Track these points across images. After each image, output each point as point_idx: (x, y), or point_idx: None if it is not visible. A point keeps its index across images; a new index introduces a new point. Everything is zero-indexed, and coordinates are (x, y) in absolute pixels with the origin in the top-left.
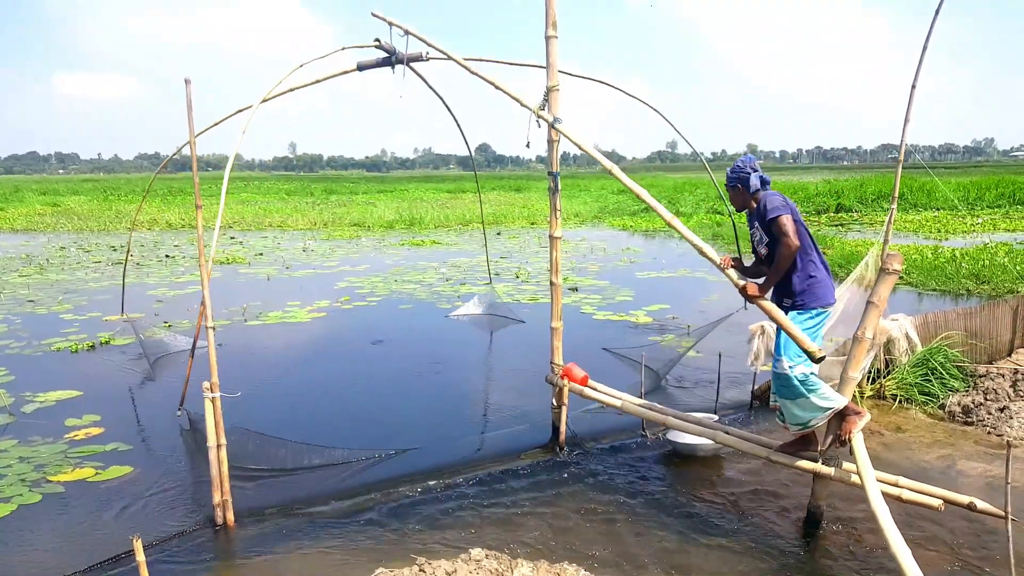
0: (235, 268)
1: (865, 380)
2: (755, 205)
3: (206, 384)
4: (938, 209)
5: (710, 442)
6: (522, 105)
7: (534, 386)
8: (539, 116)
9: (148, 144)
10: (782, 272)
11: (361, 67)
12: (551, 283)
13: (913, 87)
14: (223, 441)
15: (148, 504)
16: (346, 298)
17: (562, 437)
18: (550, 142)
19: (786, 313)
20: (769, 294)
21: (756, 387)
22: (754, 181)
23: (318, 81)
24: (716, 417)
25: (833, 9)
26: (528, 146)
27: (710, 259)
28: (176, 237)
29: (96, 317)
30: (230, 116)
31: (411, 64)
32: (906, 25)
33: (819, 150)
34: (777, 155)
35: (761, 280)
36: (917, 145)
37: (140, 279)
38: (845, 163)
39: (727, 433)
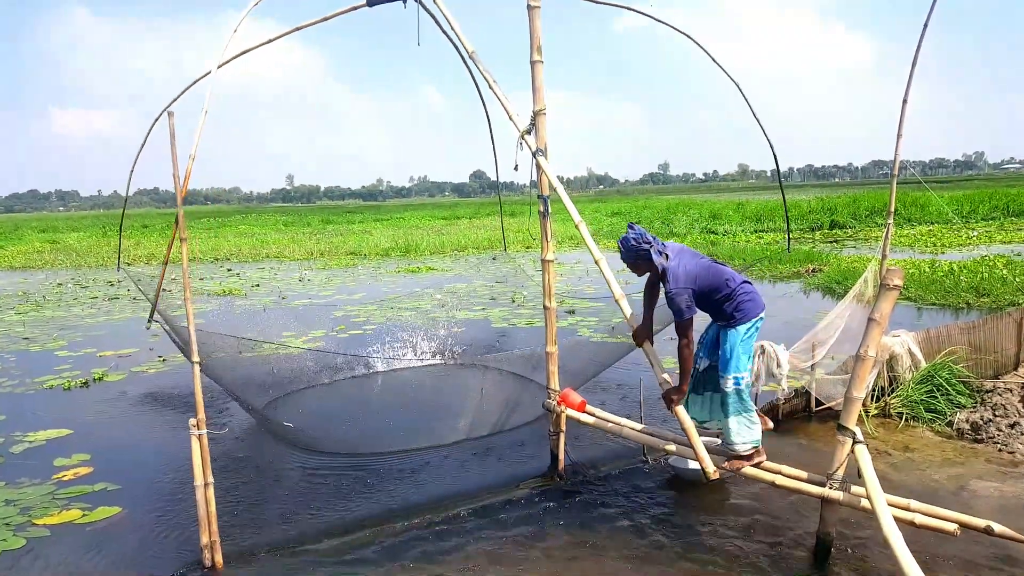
0: (232, 300)
1: (870, 398)
2: (662, 274)
3: (192, 421)
4: (932, 223)
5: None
6: (510, 118)
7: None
8: (524, 141)
9: (148, 180)
10: (690, 364)
11: (371, 1)
12: (545, 307)
13: (904, 102)
14: (210, 479)
15: (134, 546)
16: (341, 327)
17: (561, 465)
18: (538, 166)
19: (722, 330)
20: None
21: (758, 408)
22: (656, 258)
23: (326, 19)
24: (719, 442)
25: (819, 29)
26: (516, 168)
27: (624, 315)
28: (174, 271)
29: (91, 353)
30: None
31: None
32: (889, 47)
33: (810, 168)
34: (769, 174)
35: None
36: (909, 160)
37: (136, 313)
38: (837, 180)
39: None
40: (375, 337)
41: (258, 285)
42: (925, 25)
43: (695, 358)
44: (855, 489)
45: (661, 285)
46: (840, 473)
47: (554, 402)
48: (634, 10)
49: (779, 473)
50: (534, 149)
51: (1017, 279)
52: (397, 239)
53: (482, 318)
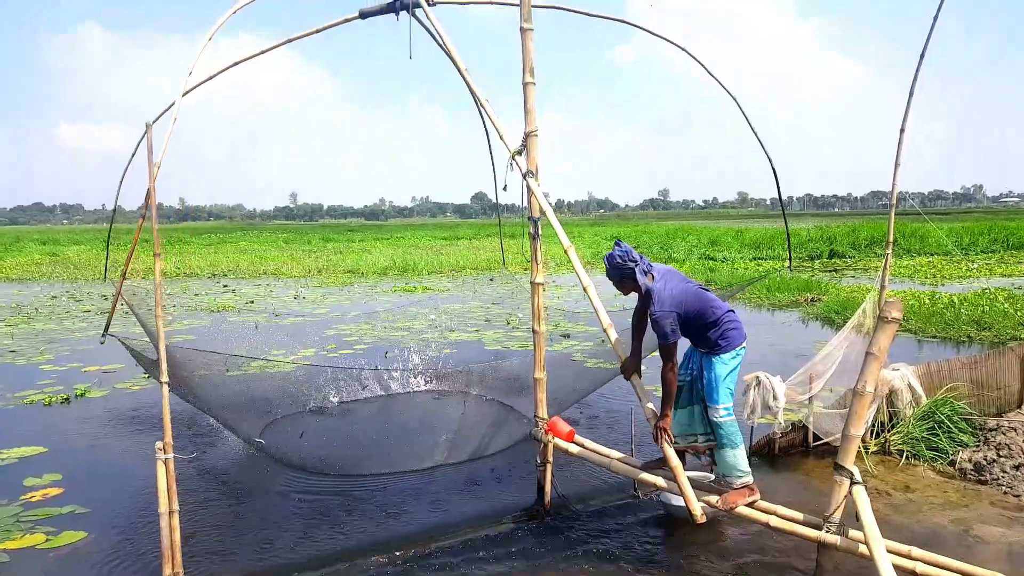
0: (224, 316)
1: (869, 434)
2: (646, 294)
3: (159, 444)
4: (932, 254)
5: (706, 504)
6: (500, 137)
7: (519, 443)
8: (515, 161)
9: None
10: (673, 388)
11: (364, 14)
12: (534, 331)
13: (902, 131)
14: (175, 507)
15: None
16: (332, 346)
17: (547, 498)
18: (528, 188)
19: (705, 358)
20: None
21: (753, 442)
22: (640, 278)
23: (318, 30)
24: (712, 477)
25: (818, 60)
26: (505, 189)
27: (611, 345)
28: (170, 286)
29: (76, 368)
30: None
31: (415, 12)
32: (885, 76)
33: (810, 197)
34: (768, 202)
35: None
36: (907, 192)
37: (126, 328)
38: (836, 210)
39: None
40: (366, 357)
41: (252, 302)
42: (921, 56)
43: (682, 388)
44: (853, 533)
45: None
46: (837, 516)
47: (541, 431)
48: (635, 25)
49: (774, 514)
50: (524, 171)
51: (1018, 313)
52: (395, 258)
53: (475, 339)
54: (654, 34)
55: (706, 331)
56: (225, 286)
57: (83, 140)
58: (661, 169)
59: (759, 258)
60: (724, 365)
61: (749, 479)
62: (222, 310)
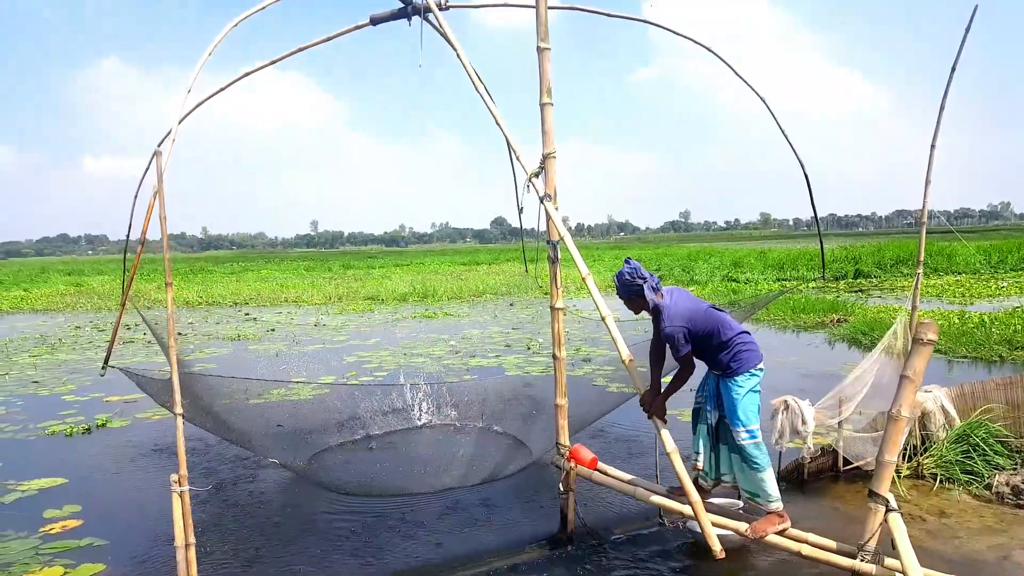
0: (245, 344)
1: (901, 458)
2: (655, 310)
3: (174, 477)
4: (960, 273)
5: (734, 533)
6: (516, 158)
7: (541, 468)
8: (532, 183)
9: (175, 224)
10: (680, 386)
11: (374, 20)
12: (554, 356)
13: (932, 147)
14: (192, 540)
15: None
16: (352, 373)
17: (571, 527)
18: (546, 212)
19: (721, 381)
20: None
21: (782, 467)
22: (649, 295)
23: (330, 38)
24: (741, 504)
25: (838, 80)
26: (521, 211)
27: (632, 379)
28: (192, 314)
29: (98, 398)
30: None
31: (427, 17)
32: (908, 93)
33: (833, 217)
34: (791, 223)
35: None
36: (933, 210)
37: (149, 357)
38: (860, 229)
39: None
40: (385, 383)
41: (273, 330)
42: (953, 68)
43: (703, 412)
44: (889, 562)
45: (667, 348)
46: (872, 544)
47: (564, 458)
48: (656, 24)
49: (805, 542)
50: (542, 194)
51: None
52: (415, 284)
53: (495, 365)
54: (677, 33)
55: (717, 352)
56: (247, 314)
57: (107, 172)
58: (681, 190)
59: (783, 279)
60: (739, 387)
61: (779, 505)
62: (243, 338)
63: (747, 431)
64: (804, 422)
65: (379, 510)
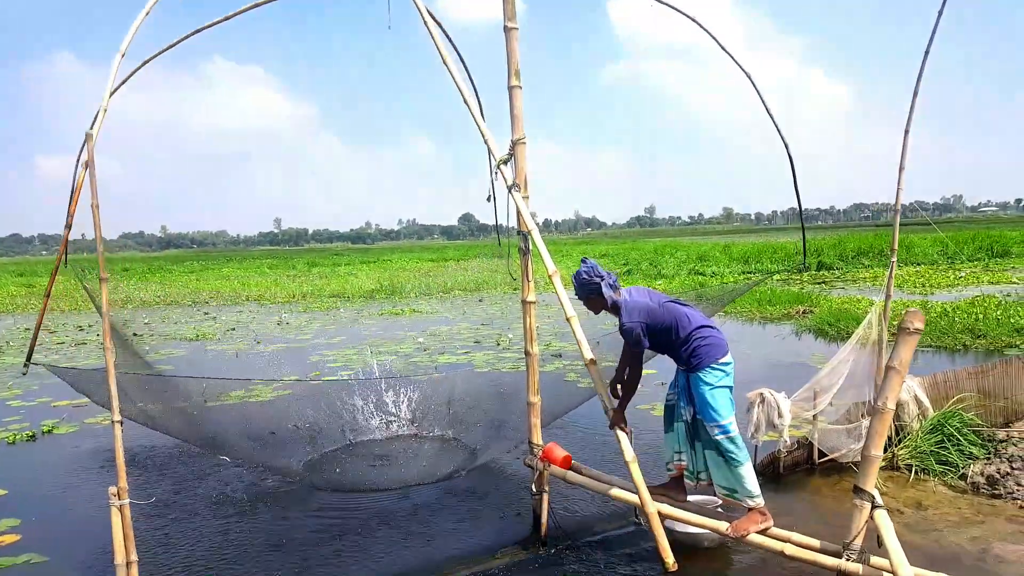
0: (203, 344)
1: None
2: (614, 307)
3: (112, 489)
4: (919, 263)
5: (714, 532)
6: (485, 142)
7: (513, 467)
8: (500, 171)
9: (132, 223)
10: (634, 388)
11: None
12: (526, 352)
13: (906, 133)
14: (134, 557)
15: None
16: (316, 373)
17: (544, 529)
18: (515, 202)
19: (689, 375)
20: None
21: (758, 461)
22: (607, 292)
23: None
24: (719, 501)
25: (801, 79)
26: (489, 199)
27: (596, 384)
28: (149, 315)
29: (46, 403)
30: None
31: None
32: (867, 90)
33: (793, 211)
34: (753, 217)
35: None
36: (888, 203)
37: (102, 360)
38: (820, 223)
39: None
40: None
41: (234, 329)
42: (926, 53)
43: (677, 408)
44: (875, 560)
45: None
46: (858, 542)
47: (536, 458)
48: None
49: (788, 541)
50: (510, 183)
51: (1012, 320)
52: (382, 281)
53: (465, 362)
54: (661, 2)
55: (677, 347)
56: (206, 313)
57: (60, 171)
58: (647, 186)
59: (748, 272)
60: (705, 383)
61: (760, 501)
62: (201, 338)
63: (720, 426)
64: (780, 415)
65: (342, 517)
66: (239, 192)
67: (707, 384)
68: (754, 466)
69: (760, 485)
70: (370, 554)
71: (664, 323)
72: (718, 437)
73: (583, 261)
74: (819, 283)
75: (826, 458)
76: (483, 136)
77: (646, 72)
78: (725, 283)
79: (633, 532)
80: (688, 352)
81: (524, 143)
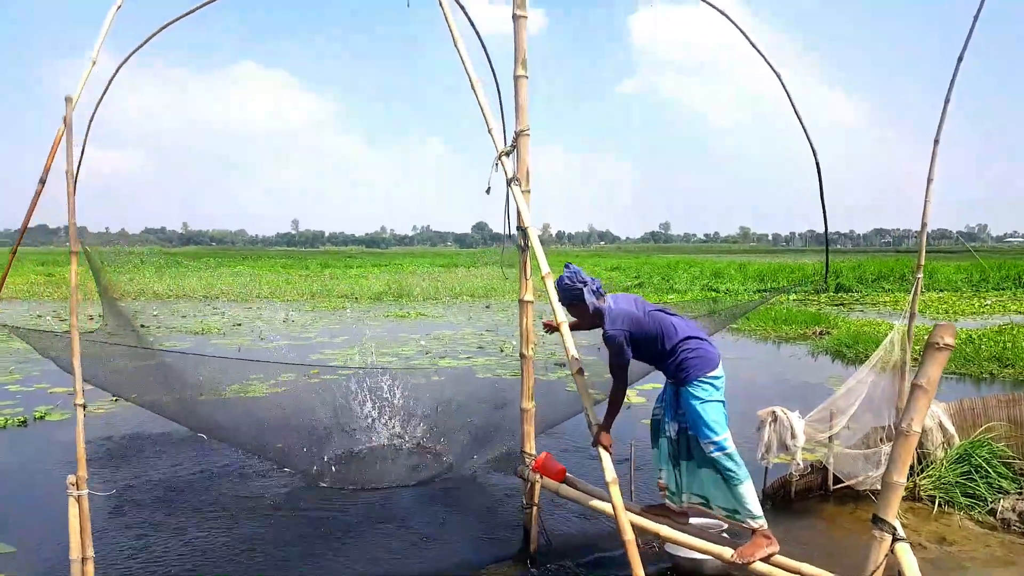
0: (206, 338)
1: None
2: (597, 314)
3: (71, 478)
4: (941, 290)
5: (717, 559)
6: (489, 131)
7: (504, 478)
8: (501, 163)
9: (155, 219)
10: (618, 406)
11: None
12: (521, 355)
13: (936, 142)
14: (90, 553)
15: None
16: (315, 371)
17: (533, 545)
18: (513, 197)
19: (679, 390)
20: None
21: (767, 484)
22: (589, 297)
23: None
24: (723, 525)
25: (821, 98)
26: (488, 192)
27: (585, 407)
28: (161, 307)
29: (43, 389)
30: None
31: None
32: (888, 113)
33: (812, 233)
34: (770, 238)
35: None
36: (910, 230)
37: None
38: (839, 246)
39: (735, 548)
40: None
41: (240, 324)
42: (959, 59)
43: (662, 424)
44: None
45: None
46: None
47: (528, 468)
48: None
49: (798, 573)
50: (510, 176)
51: None
52: (391, 284)
53: (466, 365)
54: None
55: (663, 359)
56: (215, 308)
57: (87, 163)
58: (662, 202)
59: (763, 290)
60: (695, 398)
61: (763, 522)
62: (206, 332)
63: (715, 443)
64: (794, 435)
65: (320, 526)
66: (257, 193)
67: (697, 399)
68: (762, 490)
69: (769, 510)
70: (349, 565)
71: (650, 333)
72: (714, 455)
73: (566, 267)
74: (837, 305)
75: (841, 484)
76: (487, 123)
77: (664, 86)
78: (740, 300)
79: None
80: (675, 364)
81: (528, 135)
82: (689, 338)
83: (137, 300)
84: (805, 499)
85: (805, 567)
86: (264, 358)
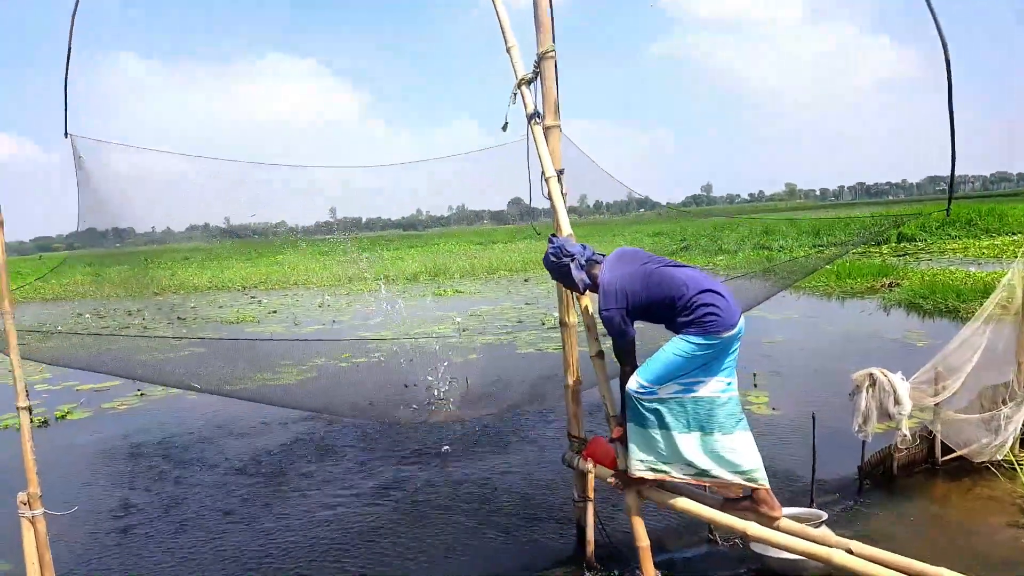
0: (241, 327)
1: (1017, 444)
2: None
3: (22, 496)
4: (1014, 233)
5: None
6: (507, 50)
7: (558, 467)
8: (521, 93)
9: (200, 217)
10: (629, 370)
11: None
12: (561, 323)
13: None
14: None
15: None
16: (346, 354)
17: (590, 546)
18: (533, 136)
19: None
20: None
21: (865, 460)
22: (577, 273)
23: None
24: (824, 516)
25: (867, 47)
26: (505, 128)
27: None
28: (199, 299)
29: (70, 387)
30: None
31: None
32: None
33: (862, 186)
34: (818, 192)
35: None
36: (967, 175)
37: (137, 344)
38: (890, 197)
39: (849, 552)
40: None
41: (275, 311)
42: None
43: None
44: None
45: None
46: None
47: (578, 455)
48: None
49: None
50: (531, 111)
51: None
52: (427, 263)
53: (507, 341)
54: None
55: (675, 316)
56: (252, 297)
57: (135, 166)
58: (701, 165)
59: (819, 245)
60: (681, 349)
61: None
62: (241, 321)
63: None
64: (898, 401)
65: (345, 528)
66: (296, 182)
67: (681, 351)
68: (861, 468)
69: (868, 491)
70: (396, 560)
71: (649, 298)
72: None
73: (550, 240)
74: (900, 255)
75: (952, 454)
76: (505, 40)
77: (698, 46)
78: (796, 258)
79: (707, 553)
80: (687, 321)
81: (552, 57)
82: (704, 291)
83: (177, 293)
84: (910, 475)
85: (916, 564)
86: (295, 345)
